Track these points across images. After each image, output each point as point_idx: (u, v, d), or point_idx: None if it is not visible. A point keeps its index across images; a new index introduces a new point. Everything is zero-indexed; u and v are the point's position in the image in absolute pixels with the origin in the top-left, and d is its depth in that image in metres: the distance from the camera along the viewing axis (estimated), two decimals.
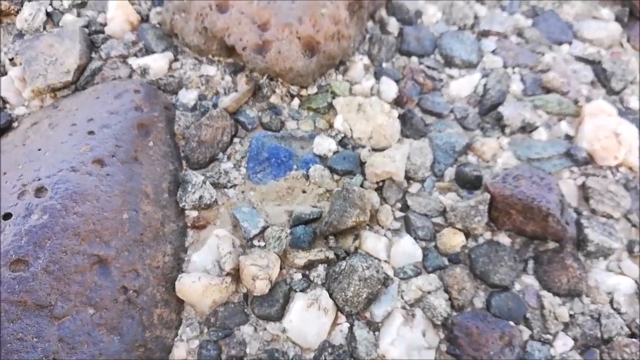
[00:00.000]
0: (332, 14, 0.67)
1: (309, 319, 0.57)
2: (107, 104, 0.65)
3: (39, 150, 0.60)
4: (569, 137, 0.71)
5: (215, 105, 0.71)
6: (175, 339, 0.58)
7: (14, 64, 0.74)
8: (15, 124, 0.70)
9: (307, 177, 0.66)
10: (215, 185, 0.65)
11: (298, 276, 0.60)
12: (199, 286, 0.57)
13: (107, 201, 0.56)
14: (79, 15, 0.79)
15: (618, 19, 0.87)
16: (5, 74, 0.74)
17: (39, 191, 0.54)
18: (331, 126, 0.71)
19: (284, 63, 0.65)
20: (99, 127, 0.62)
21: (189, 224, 0.63)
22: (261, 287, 0.57)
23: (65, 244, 0.51)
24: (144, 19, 0.79)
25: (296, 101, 0.72)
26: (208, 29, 0.69)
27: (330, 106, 0.72)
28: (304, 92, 0.73)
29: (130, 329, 0.53)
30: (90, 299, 0.51)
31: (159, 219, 0.60)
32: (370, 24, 0.80)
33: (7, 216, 0.52)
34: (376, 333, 0.58)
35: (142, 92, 0.67)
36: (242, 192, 0.65)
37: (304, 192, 0.65)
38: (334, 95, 0.72)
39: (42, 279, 0.49)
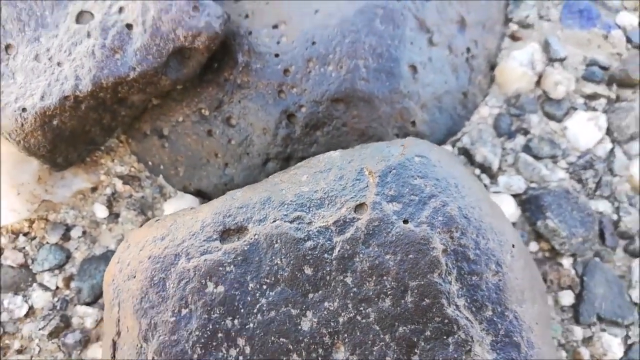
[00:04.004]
0: None
1: (584, 129, 0.78)
2: None
3: None
4: None
5: None
6: (481, 102, 0.80)
7: None
8: None
9: (606, 37, 0.85)
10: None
11: (581, 100, 0.80)
12: (515, 73, 0.80)
13: None
14: None
15: None
16: None
17: None
18: (636, 9, 0.88)
19: None
20: None
21: (507, 33, 0.85)
22: (559, 93, 0.79)
23: None
24: None
25: None
26: None
27: None
28: None
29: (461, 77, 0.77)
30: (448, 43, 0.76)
31: (498, 19, 0.85)
32: None
33: None
34: (630, 160, 0.77)
35: None
36: (553, 28, 0.86)
37: (599, 46, 0.84)
38: None
39: None
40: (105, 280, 0.55)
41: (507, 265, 0.49)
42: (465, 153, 0.77)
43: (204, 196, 0.78)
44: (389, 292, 0.47)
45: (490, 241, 0.49)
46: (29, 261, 0.75)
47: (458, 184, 0.52)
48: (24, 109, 0.65)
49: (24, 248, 0.76)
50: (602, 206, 0.76)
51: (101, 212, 0.78)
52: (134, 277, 0.51)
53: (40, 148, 0.68)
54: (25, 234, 0.77)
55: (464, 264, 0.48)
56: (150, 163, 0.80)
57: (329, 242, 0.49)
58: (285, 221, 0.50)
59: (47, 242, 0.76)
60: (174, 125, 0.77)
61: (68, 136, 0.69)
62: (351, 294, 0.47)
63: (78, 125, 0.69)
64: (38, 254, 0.75)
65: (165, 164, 0.79)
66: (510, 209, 0.73)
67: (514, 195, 0.75)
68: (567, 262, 0.73)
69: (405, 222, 0.49)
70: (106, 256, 0.76)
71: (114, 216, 0.78)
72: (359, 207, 0.50)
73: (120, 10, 0.67)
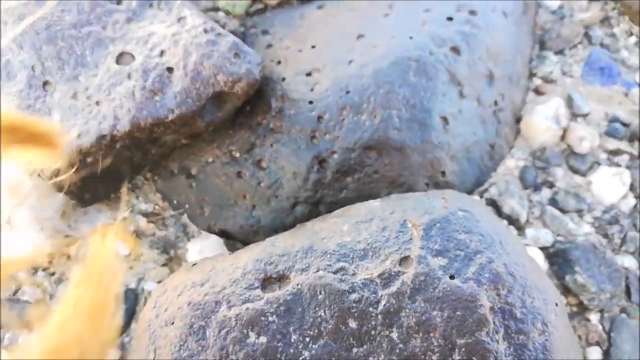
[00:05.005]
0: None
1: (609, 184, 0.79)
2: None
3: None
4: None
5: (571, 16, 0.93)
6: (507, 154, 0.81)
7: None
8: None
9: (626, 94, 0.87)
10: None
11: (604, 156, 0.82)
12: (540, 126, 0.81)
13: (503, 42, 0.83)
14: None
15: None
16: None
17: (471, 13, 0.80)
18: None
19: None
20: None
21: (531, 88, 0.87)
22: (583, 148, 0.81)
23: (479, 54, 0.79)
24: None
25: (633, 39, 0.93)
26: None
27: None
28: None
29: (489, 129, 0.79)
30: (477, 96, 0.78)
31: (523, 73, 0.87)
32: None
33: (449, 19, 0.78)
34: None
35: None
36: (576, 84, 0.88)
37: (619, 103, 0.86)
38: None
39: None
40: (140, 325, 0.54)
41: (553, 324, 0.49)
42: (493, 204, 0.77)
43: (229, 237, 0.77)
44: (436, 350, 0.46)
45: (535, 299, 0.49)
46: (47, 297, 0.74)
47: (502, 240, 0.52)
48: None
49: (42, 283, 0.75)
50: (628, 262, 0.76)
51: (123, 249, 0.77)
52: (173, 323, 0.50)
53: (71, 185, 0.68)
54: (44, 269, 0.76)
55: (511, 323, 0.47)
56: (175, 201, 0.79)
57: (374, 295, 0.48)
58: (328, 272, 0.50)
59: (67, 278, 0.75)
60: (203, 165, 0.77)
61: (99, 174, 0.69)
62: (397, 350, 0.47)
63: (111, 163, 0.69)
64: (57, 290, 0.74)
65: (191, 203, 0.78)
66: (539, 263, 0.73)
67: (542, 248, 0.75)
68: (594, 317, 0.72)
69: (452, 277, 0.49)
70: (126, 295, 0.75)
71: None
72: (404, 260, 0.50)
73: (162, 53, 0.68)
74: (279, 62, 0.81)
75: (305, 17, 0.90)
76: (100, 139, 0.65)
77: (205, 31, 0.69)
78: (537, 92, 0.87)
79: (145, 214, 0.79)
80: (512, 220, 0.76)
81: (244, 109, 0.75)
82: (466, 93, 0.76)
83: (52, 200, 0.74)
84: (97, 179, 0.70)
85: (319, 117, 0.72)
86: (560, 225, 0.76)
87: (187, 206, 0.79)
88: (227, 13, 0.93)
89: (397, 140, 0.70)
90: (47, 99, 0.68)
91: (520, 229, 0.76)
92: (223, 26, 0.88)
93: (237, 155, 0.76)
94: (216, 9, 0.93)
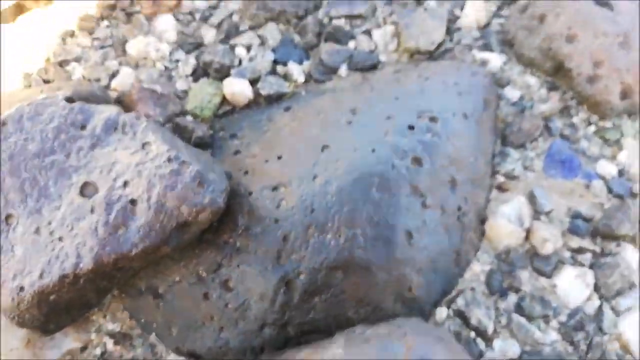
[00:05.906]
0: None
1: (573, 286, 0.80)
2: (466, 76, 0.94)
3: (421, 91, 0.89)
4: None
5: (531, 107, 0.95)
6: (473, 257, 0.82)
7: (385, 23, 1.04)
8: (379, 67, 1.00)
9: (587, 186, 0.89)
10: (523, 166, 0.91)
11: (567, 254, 0.83)
12: (504, 229, 0.83)
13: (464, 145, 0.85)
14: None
15: None
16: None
17: (432, 120, 0.83)
18: (615, 157, 0.93)
19: (605, 96, 0.92)
20: (465, 89, 0.90)
21: (494, 185, 0.88)
22: (547, 249, 0.82)
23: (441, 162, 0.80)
24: (488, 24, 1.06)
25: (592, 128, 0.96)
26: (552, 50, 0.95)
27: (619, 142, 0.95)
28: (600, 123, 0.96)
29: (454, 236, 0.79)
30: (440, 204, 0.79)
31: (486, 172, 0.88)
32: None
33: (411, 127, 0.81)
34: (618, 317, 0.80)
35: (488, 79, 0.96)
36: (538, 178, 0.90)
37: (581, 196, 0.87)
38: (622, 134, 0.96)
39: None
40: None
41: None
42: (460, 315, 0.78)
43: (198, 358, 0.76)
44: None
45: None
46: None
47: None
48: (21, 288, 0.64)
49: None
50: None
51: None
52: None
53: (34, 321, 0.67)
54: None
55: None
56: (143, 320, 0.78)
57: None
58: None
59: None
60: (170, 285, 0.77)
61: (63, 307, 0.69)
62: None
63: (75, 296, 0.68)
64: None
65: (159, 323, 0.78)
66: None
67: None
68: None
69: None
70: None
71: None
72: None
73: (125, 184, 0.68)
74: (246, 172, 0.82)
75: (272, 120, 0.92)
76: (63, 278, 0.65)
77: (169, 160, 0.69)
78: (500, 189, 0.89)
79: (113, 335, 0.78)
80: (480, 332, 0.76)
81: (211, 226, 0.75)
82: (429, 203, 0.78)
83: (15, 331, 0.73)
84: (61, 311, 0.69)
85: (285, 237, 0.73)
86: (527, 334, 0.77)
87: (155, 326, 0.78)
88: (196, 117, 0.94)
89: (362, 259, 0.71)
90: (9, 234, 0.68)
91: (489, 340, 0.76)
92: (192, 131, 0.89)
93: (204, 275, 0.75)
94: (184, 113, 0.94)
